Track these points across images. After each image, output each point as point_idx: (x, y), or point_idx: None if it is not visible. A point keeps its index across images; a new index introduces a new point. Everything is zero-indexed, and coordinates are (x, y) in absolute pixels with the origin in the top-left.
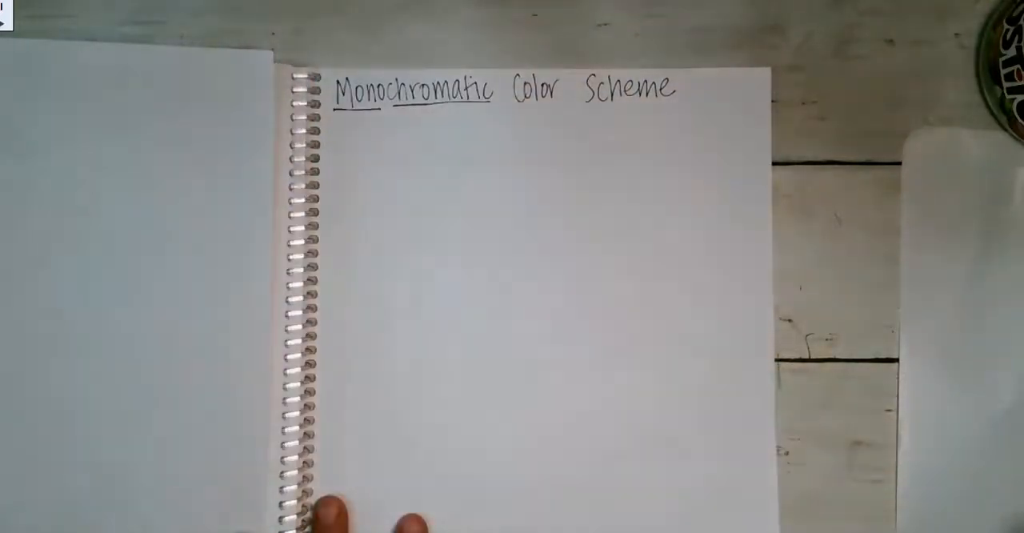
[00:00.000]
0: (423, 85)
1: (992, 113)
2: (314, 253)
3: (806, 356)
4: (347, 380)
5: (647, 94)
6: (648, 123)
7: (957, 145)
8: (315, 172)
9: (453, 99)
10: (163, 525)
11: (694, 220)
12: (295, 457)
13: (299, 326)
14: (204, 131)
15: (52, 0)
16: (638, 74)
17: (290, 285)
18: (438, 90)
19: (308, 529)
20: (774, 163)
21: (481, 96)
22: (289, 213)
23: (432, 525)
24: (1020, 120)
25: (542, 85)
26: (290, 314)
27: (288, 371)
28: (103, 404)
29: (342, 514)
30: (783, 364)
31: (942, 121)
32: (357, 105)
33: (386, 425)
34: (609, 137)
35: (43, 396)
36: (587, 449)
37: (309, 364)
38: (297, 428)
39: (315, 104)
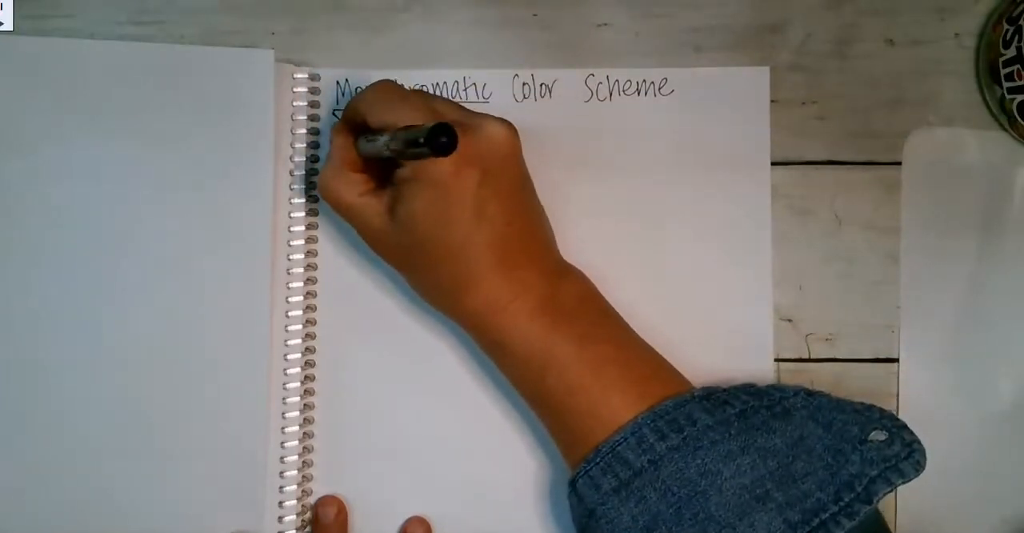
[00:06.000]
0: (422, 85)
1: (992, 113)
2: (314, 253)
3: (806, 356)
4: (347, 380)
5: (646, 94)
6: (647, 123)
7: (957, 145)
8: (315, 172)
9: (452, 99)
10: (163, 525)
11: (693, 220)
12: (295, 457)
13: (299, 326)
14: (204, 131)
15: (52, 0)
16: (636, 74)
17: (290, 285)
18: (437, 90)
19: (308, 529)
20: (774, 163)
21: (480, 96)
22: (289, 213)
23: (432, 525)
24: (1020, 120)
25: (541, 85)
26: (290, 314)
27: (288, 371)
28: (101, 405)
29: (342, 514)
30: (783, 364)
31: (942, 121)
32: None
33: (386, 425)
34: (608, 137)
35: (40, 395)
36: None
37: (309, 364)
38: (297, 428)
39: (315, 104)
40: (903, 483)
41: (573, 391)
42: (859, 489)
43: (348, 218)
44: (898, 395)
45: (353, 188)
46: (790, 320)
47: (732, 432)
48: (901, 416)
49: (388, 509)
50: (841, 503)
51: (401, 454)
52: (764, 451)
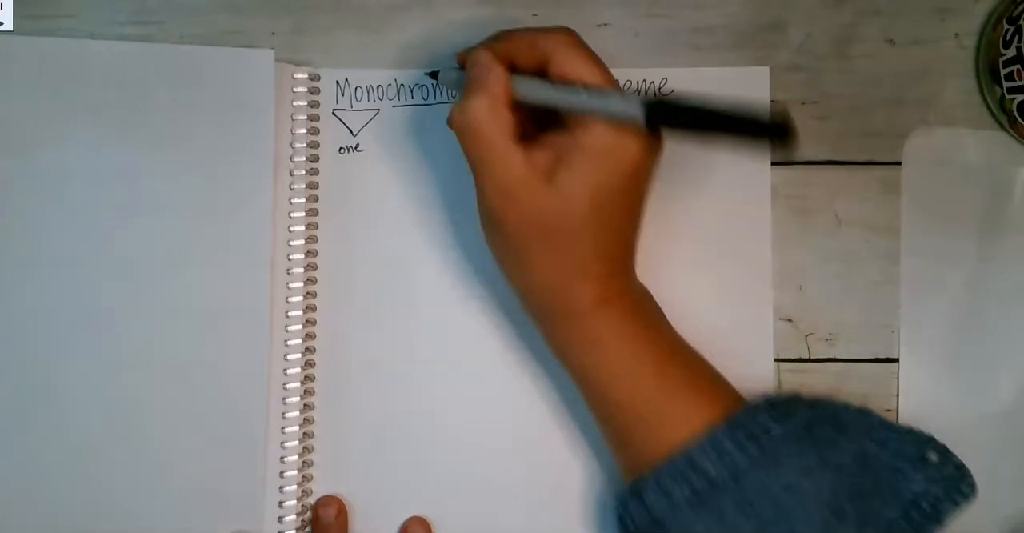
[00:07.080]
0: (423, 85)
1: (992, 113)
2: (314, 253)
3: (806, 356)
4: (347, 380)
5: (645, 93)
6: None
7: (957, 145)
8: (315, 172)
9: (453, 99)
10: (163, 525)
11: (693, 220)
12: (295, 457)
13: (299, 326)
14: (204, 131)
15: (52, 0)
16: (636, 73)
17: (290, 285)
18: (438, 90)
19: (308, 529)
20: (774, 163)
21: None
22: (289, 213)
23: (432, 525)
24: (1020, 120)
25: None
26: (290, 314)
27: (288, 371)
28: (101, 405)
29: (342, 514)
30: (783, 364)
31: (942, 121)
32: (357, 105)
33: (386, 425)
34: None
35: (40, 396)
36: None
37: (309, 364)
38: (297, 428)
39: (315, 104)
40: (966, 504)
41: (649, 397)
42: (926, 508)
43: (486, 161)
44: (898, 395)
45: (507, 129)
46: (790, 320)
47: (805, 446)
48: (901, 416)
49: (388, 509)
50: (913, 522)
51: (401, 454)
52: (837, 466)
